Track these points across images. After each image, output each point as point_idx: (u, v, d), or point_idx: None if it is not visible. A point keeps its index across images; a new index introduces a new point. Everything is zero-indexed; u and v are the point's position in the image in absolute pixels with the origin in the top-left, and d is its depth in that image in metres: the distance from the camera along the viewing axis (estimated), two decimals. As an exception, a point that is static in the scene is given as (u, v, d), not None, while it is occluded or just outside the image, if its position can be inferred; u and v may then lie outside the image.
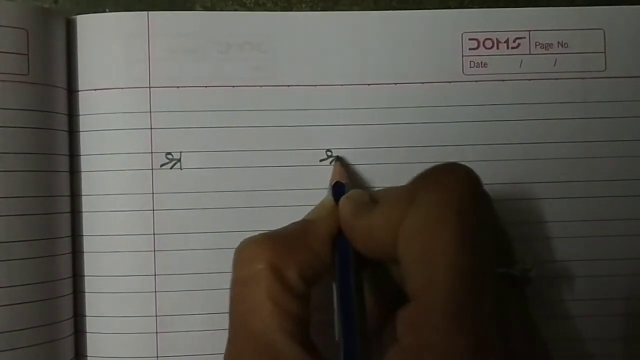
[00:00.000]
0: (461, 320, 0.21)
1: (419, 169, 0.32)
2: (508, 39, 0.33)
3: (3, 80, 0.29)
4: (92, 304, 0.32)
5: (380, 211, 0.25)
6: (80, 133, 0.32)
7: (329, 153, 0.33)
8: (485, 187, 0.30)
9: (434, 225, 0.22)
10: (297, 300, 0.25)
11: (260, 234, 0.27)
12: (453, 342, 0.21)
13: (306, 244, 0.26)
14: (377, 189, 0.32)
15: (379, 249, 0.25)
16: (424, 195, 0.23)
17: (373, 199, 0.27)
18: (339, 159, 0.32)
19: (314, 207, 0.30)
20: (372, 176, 0.33)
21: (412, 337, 0.21)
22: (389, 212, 0.24)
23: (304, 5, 0.34)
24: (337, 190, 0.29)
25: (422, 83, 0.33)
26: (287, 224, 0.28)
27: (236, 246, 0.28)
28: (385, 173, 0.33)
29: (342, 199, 0.28)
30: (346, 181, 0.30)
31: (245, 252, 0.26)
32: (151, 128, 0.32)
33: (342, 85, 0.33)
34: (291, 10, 0.34)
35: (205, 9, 0.34)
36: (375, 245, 0.25)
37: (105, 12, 0.34)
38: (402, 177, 0.32)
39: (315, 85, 0.33)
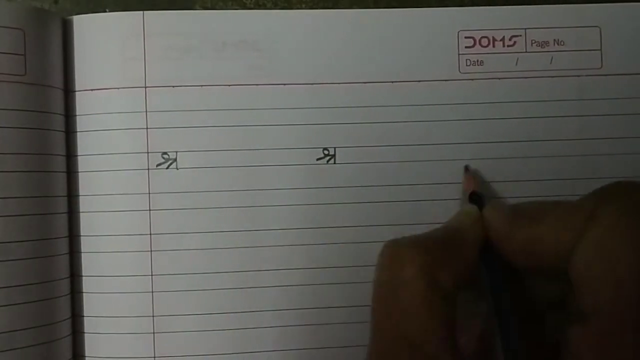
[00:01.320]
0: None
1: (416, 168, 0.33)
2: (504, 37, 0.34)
3: (0, 81, 0.30)
4: (90, 304, 0.33)
5: (549, 223, 0.25)
6: (77, 133, 0.33)
7: (326, 152, 0.33)
8: (482, 185, 0.31)
9: (620, 241, 0.23)
10: (450, 306, 0.25)
11: (407, 237, 0.27)
12: None
13: (456, 249, 0.27)
14: (376, 187, 0.33)
15: (542, 261, 0.25)
16: (607, 210, 0.24)
17: (519, 209, 0.27)
18: (467, 168, 0.33)
19: (452, 215, 0.30)
20: (370, 175, 0.33)
21: (596, 354, 0.22)
22: (560, 224, 0.25)
23: (303, 6, 0.35)
24: (476, 199, 0.30)
25: (419, 81, 0.34)
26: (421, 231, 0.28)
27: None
28: (383, 172, 0.33)
29: (488, 209, 0.28)
30: (482, 191, 0.31)
31: (395, 254, 0.26)
32: (147, 128, 0.33)
33: (338, 83, 0.34)
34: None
35: (205, 9, 0.35)
36: (538, 257, 0.26)
37: (105, 12, 0.34)
38: (399, 176, 0.33)
39: (311, 84, 0.33)
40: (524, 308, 0.27)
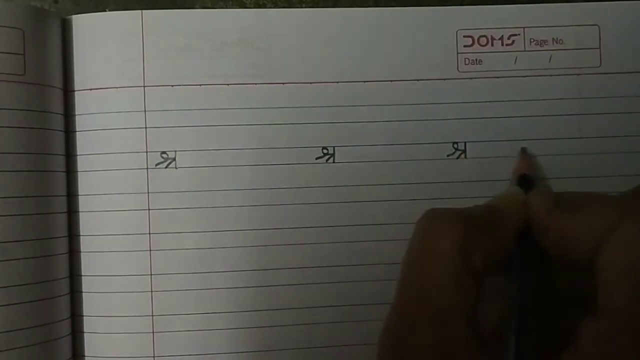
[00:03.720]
0: None
1: (415, 166, 0.34)
2: (502, 35, 0.35)
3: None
4: (89, 304, 0.33)
5: (585, 213, 0.26)
6: (77, 133, 0.33)
7: (325, 151, 0.34)
8: (481, 184, 0.32)
9: None
10: (477, 283, 0.25)
11: (448, 209, 0.27)
12: None
13: (495, 230, 0.27)
14: (375, 186, 0.34)
15: (573, 249, 0.26)
16: None
17: (562, 199, 0.28)
18: (523, 150, 0.34)
19: (498, 195, 0.30)
20: (370, 174, 0.34)
21: (597, 350, 0.23)
22: (595, 216, 0.25)
23: (303, 5, 0.36)
24: (525, 182, 0.31)
25: (418, 80, 0.34)
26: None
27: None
28: (382, 170, 0.34)
29: (534, 194, 0.29)
30: (534, 175, 0.32)
31: (434, 224, 0.26)
32: (146, 127, 0.33)
33: (337, 82, 0.34)
34: (290, 11, 0.35)
35: (205, 9, 0.35)
36: (570, 245, 0.26)
37: (105, 12, 0.35)
38: (398, 175, 0.34)
39: (310, 83, 0.34)
40: (549, 300, 0.28)
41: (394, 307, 0.26)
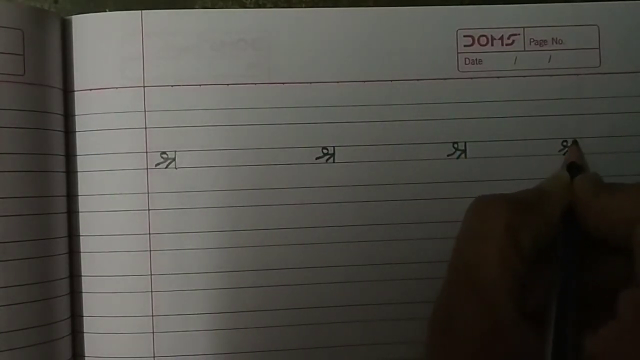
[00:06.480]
0: None
1: (415, 166, 0.34)
2: (502, 35, 0.35)
3: (-1, 81, 0.31)
4: (89, 304, 0.33)
5: (625, 193, 0.27)
6: (76, 133, 0.33)
7: (325, 151, 0.34)
8: (481, 184, 0.32)
9: None
10: (524, 264, 0.26)
11: (496, 194, 0.28)
12: None
13: (541, 210, 0.28)
14: (375, 186, 0.34)
15: (612, 229, 0.27)
16: None
17: (605, 183, 0.29)
18: (575, 142, 0.34)
19: (545, 179, 0.31)
20: (370, 174, 0.34)
21: (635, 316, 0.24)
22: (633, 196, 0.27)
23: (303, 5, 0.36)
24: (573, 170, 0.31)
25: (418, 80, 0.34)
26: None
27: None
28: (382, 170, 0.34)
29: (579, 178, 0.29)
30: (583, 164, 0.32)
31: (483, 207, 0.28)
32: (146, 127, 0.33)
33: (337, 82, 0.34)
34: (290, 12, 0.35)
35: (205, 9, 0.35)
36: (609, 225, 0.27)
37: (105, 12, 0.35)
38: (399, 174, 0.34)
39: (310, 83, 0.34)
40: (589, 286, 0.28)
41: (444, 287, 0.27)
